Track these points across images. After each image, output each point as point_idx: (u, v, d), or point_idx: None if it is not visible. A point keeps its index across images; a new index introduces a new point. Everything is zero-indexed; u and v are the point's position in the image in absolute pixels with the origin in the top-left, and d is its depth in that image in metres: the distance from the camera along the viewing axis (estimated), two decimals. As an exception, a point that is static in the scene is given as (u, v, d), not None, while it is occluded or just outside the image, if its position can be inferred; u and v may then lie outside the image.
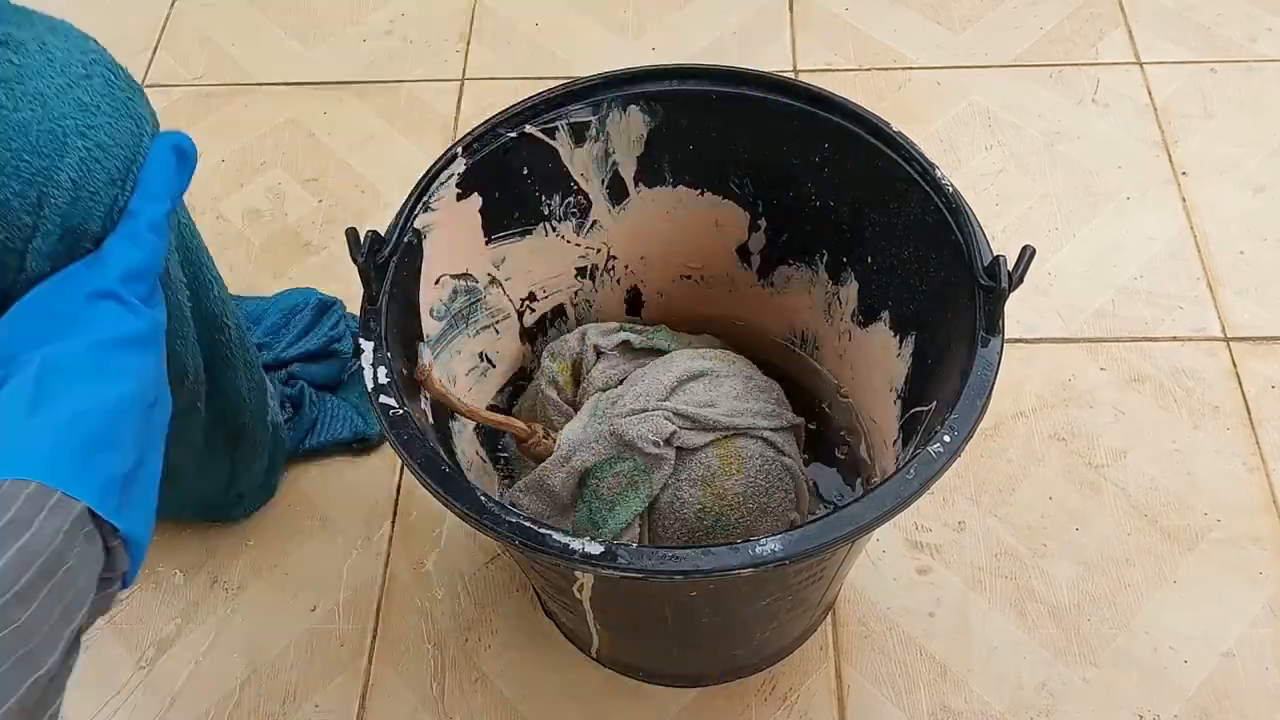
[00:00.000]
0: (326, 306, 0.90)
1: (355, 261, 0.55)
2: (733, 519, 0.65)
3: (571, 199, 0.69)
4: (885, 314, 0.68)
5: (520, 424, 0.65)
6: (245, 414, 0.73)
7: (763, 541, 0.47)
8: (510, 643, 0.77)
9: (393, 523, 0.83)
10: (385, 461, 0.86)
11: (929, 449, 0.50)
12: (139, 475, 0.45)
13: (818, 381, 0.78)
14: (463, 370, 0.69)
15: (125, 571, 0.45)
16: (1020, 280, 0.52)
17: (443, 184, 0.62)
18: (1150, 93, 1.06)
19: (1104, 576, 0.78)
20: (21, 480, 0.40)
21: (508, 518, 0.48)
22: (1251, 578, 0.77)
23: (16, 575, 0.38)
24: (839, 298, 0.71)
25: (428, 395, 0.59)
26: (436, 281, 0.64)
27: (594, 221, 0.72)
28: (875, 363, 0.70)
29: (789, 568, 0.48)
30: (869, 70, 1.09)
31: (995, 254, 0.54)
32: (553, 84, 0.65)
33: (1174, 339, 0.89)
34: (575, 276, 0.74)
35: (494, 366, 0.72)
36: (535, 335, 0.75)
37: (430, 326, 0.63)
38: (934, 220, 0.60)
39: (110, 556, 0.44)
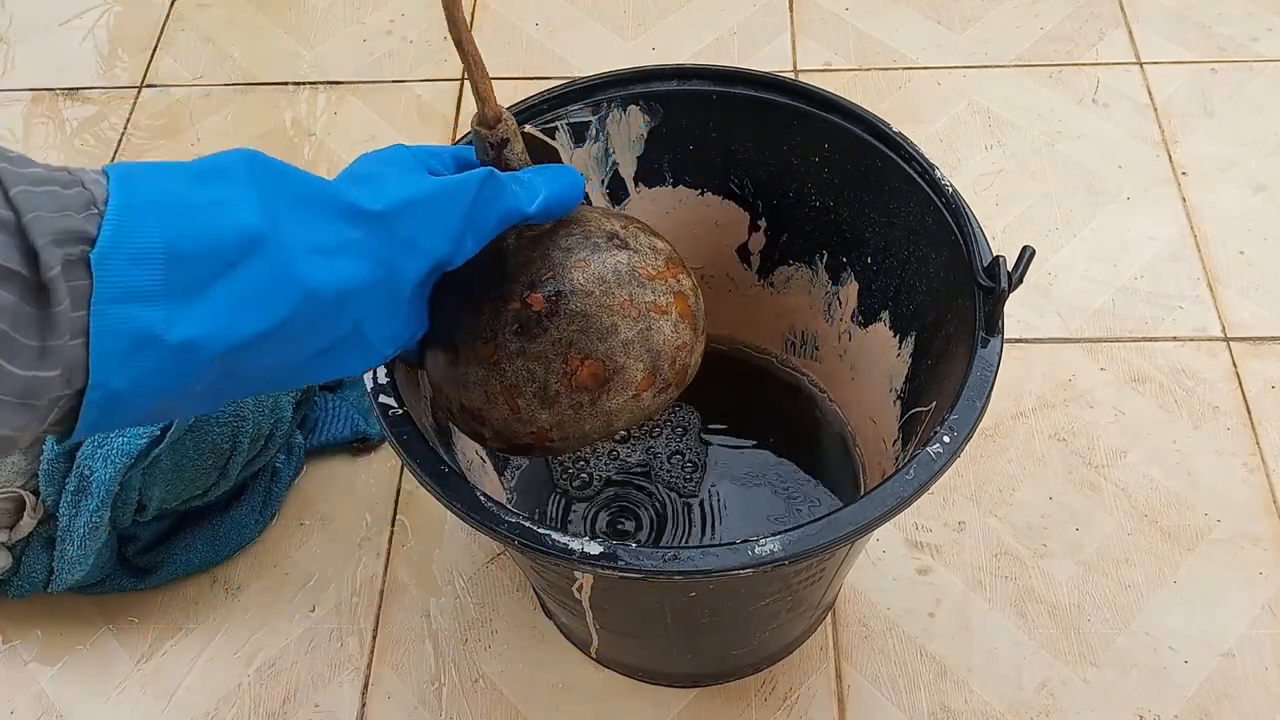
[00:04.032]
0: (326, 306, 0.90)
1: (355, 261, 0.55)
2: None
3: (571, 199, 0.69)
4: (885, 314, 0.68)
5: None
6: None
7: (763, 541, 0.47)
8: (510, 643, 0.77)
9: (393, 523, 0.83)
10: (385, 461, 0.86)
11: (928, 449, 0.50)
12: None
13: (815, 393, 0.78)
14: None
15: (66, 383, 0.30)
16: (1020, 281, 0.52)
17: (442, 184, 0.62)
18: (1150, 93, 1.06)
19: (1104, 577, 0.78)
20: None
21: (507, 518, 0.48)
22: (1251, 578, 0.77)
23: None
24: (839, 298, 0.71)
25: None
26: (436, 281, 0.63)
27: (594, 221, 0.72)
28: (875, 363, 0.70)
29: (789, 568, 0.48)
30: (869, 70, 1.09)
31: (995, 254, 0.54)
32: (553, 84, 0.65)
33: (1174, 339, 0.89)
34: (575, 276, 0.74)
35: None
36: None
37: (430, 326, 0.63)
38: (934, 220, 0.60)
39: (46, 320, 0.28)
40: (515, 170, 0.46)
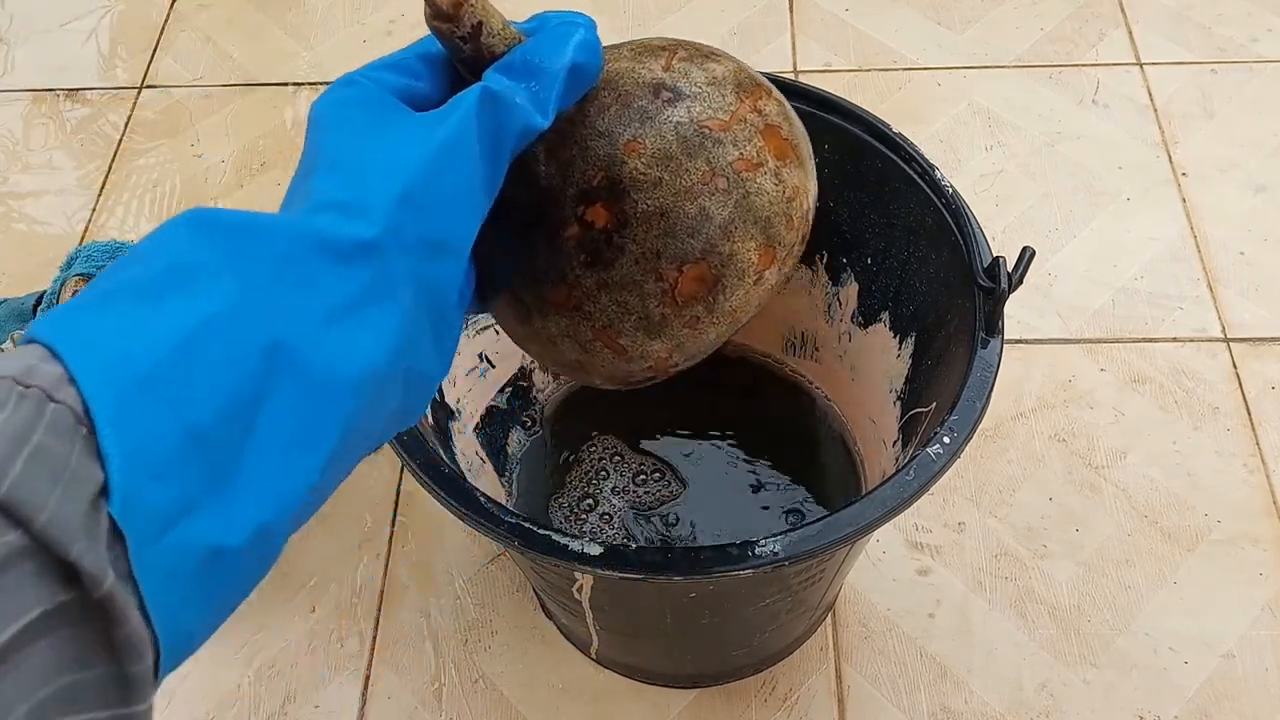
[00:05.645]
0: (326, 307, 0.90)
1: (355, 262, 0.55)
2: None
3: (571, 199, 0.69)
4: (885, 315, 0.68)
5: None
6: None
7: (763, 542, 0.47)
8: (510, 643, 0.77)
9: (393, 523, 0.83)
10: (385, 461, 0.86)
11: (928, 450, 0.50)
12: (232, 473, 0.25)
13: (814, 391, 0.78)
14: (462, 370, 0.69)
15: (131, 660, 0.25)
16: (1020, 281, 0.52)
17: (442, 184, 0.62)
18: (1150, 93, 1.06)
19: (1104, 577, 0.78)
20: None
21: (507, 518, 0.48)
22: (1251, 578, 0.77)
23: None
24: (839, 299, 0.71)
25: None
26: (436, 282, 0.63)
27: (594, 222, 0.71)
28: (875, 364, 0.70)
29: (789, 568, 0.48)
30: (869, 70, 1.09)
31: (995, 255, 0.54)
32: (553, 84, 0.65)
33: (1174, 340, 0.89)
34: (575, 277, 0.74)
35: (493, 367, 0.72)
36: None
37: (430, 327, 0.63)
38: (934, 221, 0.60)
39: (105, 618, 0.23)
40: (502, 56, 0.33)
